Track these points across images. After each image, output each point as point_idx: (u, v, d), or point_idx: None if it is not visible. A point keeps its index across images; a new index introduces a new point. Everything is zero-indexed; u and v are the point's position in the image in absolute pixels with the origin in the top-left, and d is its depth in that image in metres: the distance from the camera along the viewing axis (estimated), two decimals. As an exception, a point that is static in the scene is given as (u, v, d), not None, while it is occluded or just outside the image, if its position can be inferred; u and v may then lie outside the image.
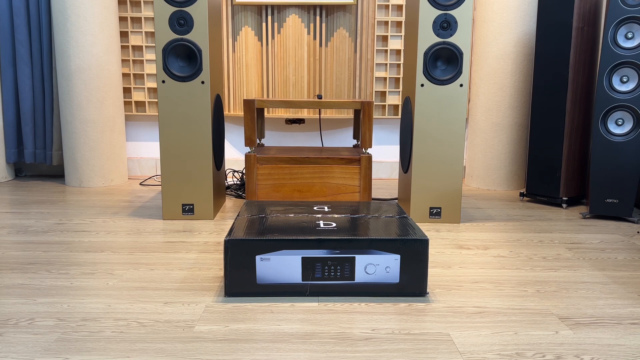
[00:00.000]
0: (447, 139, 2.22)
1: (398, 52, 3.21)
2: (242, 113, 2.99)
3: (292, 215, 1.69)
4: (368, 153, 2.42)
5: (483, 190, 3.00)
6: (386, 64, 3.21)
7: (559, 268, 1.75)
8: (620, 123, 2.31)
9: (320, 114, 2.94)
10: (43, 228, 2.15)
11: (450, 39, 2.15)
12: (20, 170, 3.33)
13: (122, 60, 3.20)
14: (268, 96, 3.21)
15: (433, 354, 1.18)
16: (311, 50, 3.16)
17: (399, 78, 3.23)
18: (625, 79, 2.28)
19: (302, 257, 1.46)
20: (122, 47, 3.19)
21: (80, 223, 2.23)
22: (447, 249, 1.93)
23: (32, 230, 2.11)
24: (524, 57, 2.87)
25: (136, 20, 3.18)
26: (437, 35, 2.15)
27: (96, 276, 1.63)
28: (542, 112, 2.60)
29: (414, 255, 1.47)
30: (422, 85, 2.19)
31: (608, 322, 1.35)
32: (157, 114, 3.27)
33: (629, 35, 2.25)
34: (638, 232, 2.19)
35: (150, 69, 3.22)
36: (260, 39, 3.17)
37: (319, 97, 2.62)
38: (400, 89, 3.24)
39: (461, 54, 2.15)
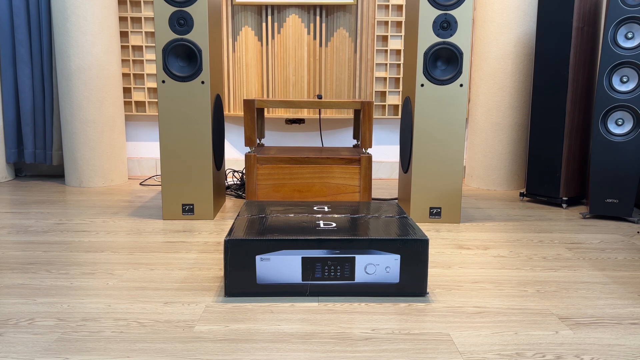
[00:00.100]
0: (447, 139, 2.22)
1: (398, 52, 3.21)
2: (242, 113, 2.99)
3: (292, 215, 1.69)
4: (368, 153, 2.42)
5: (483, 190, 3.00)
6: (386, 64, 3.21)
7: (559, 268, 1.75)
8: (620, 123, 2.31)
9: (320, 114, 2.94)
10: (43, 228, 2.15)
11: (450, 39, 2.15)
12: (20, 170, 3.33)
13: (122, 60, 3.20)
14: (268, 96, 3.21)
15: (433, 354, 1.18)
16: (311, 50, 3.16)
17: (399, 78, 3.23)
18: (625, 79, 2.28)
19: (302, 257, 1.46)
20: (122, 47, 3.19)
21: (80, 223, 2.23)
22: (447, 249, 1.93)
23: (32, 230, 2.11)
24: (524, 57, 2.87)
25: (136, 20, 3.18)
26: (437, 35, 2.15)
27: (96, 276, 1.63)
28: (542, 112, 2.60)
29: (414, 255, 1.47)
30: (422, 85, 2.19)
31: (608, 322, 1.35)
32: (157, 114, 3.27)
33: (629, 35, 2.25)
34: (638, 232, 2.19)
35: (150, 69, 3.22)
36: (260, 39, 3.17)
37: (319, 97, 2.62)
38: (400, 89, 3.24)
39: (461, 54, 2.15)
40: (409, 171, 2.31)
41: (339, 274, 1.47)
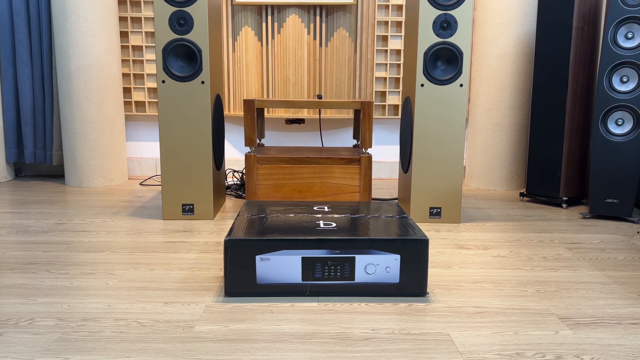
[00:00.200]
0: (447, 139, 2.22)
1: (398, 52, 3.21)
2: (242, 113, 2.99)
3: (292, 215, 1.69)
4: (368, 153, 2.42)
5: (483, 190, 3.00)
6: (386, 64, 3.21)
7: (559, 268, 1.75)
8: (620, 123, 2.31)
9: (320, 114, 2.94)
10: (43, 228, 2.15)
11: (450, 39, 2.15)
12: (20, 170, 3.33)
13: (122, 60, 3.20)
14: (268, 96, 3.21)
15: (433, 354, 1.18)
16: (311, 50, 3.16)
17: (399, 78, 3.23)
18: (625, 79, 2.28)
19: (302, 257, 1.46)
20: (122, 47, 3.19)
21: (80, 223, 2.23)
22: (447, 249, 1.93)
23: (32, 230, 2.11)
24: (524, 57, 2.87)
25: (136, 20, 3.18)
26: (437, 35, 2.15)
27: (96, 276, 1.63)
28: (542, 112, 2.60)
29: (414, 255, 1.47)
30: (422, 85, 2.19)
31: (608, 322, 1.35)
32: (157, 114, 3.27)
33: (629, 35, 2.25)
34: (638, 232, 2.19)
35: (150, 69, 3.22)
36: (260, 39, 3.17)
37: (319, 97, 2.62)
38: (400, 89, 3.24)
39: (461, 54, 2.15)
40: (409, 171, 2.31)
41: (339, 274, 1.47)
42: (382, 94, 3.25)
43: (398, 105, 3.25)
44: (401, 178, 2.48)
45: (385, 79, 3.23)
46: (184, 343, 1.22)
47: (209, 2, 2.19)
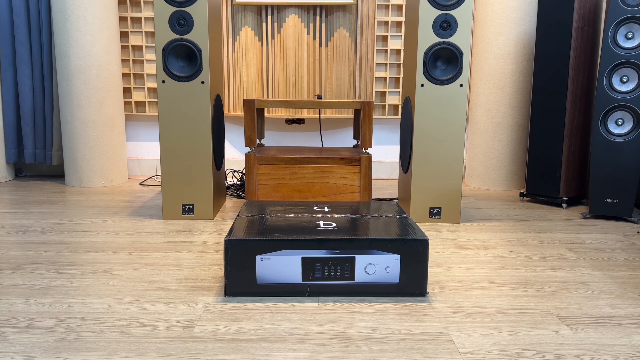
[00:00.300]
0: (447, 139, 2.22)
1: (398, 52, 3.21)
2: (242, 113, 2.99)
3: (292, 215, 1.69)
4: (368, 153, 2.42)
5: (483, 190, 3.00)
6: (386, 64, 3.21)
7: (559, 268, 1.75)
8: (620, 123, 2.31)
9: (320, 114, 2.94)
10: (43, 228, 2.15)
11: (450, 39, 2.15)
12: (20, 170, 3.33)
13: (122, 60, 3.20)
14: (268, 96, 3.21)
15: (433, 354, 1.18)
16: (311, 50, 3.16)
17: (399, 78, 3.23)
18: (625, 79, 2.28)
19: (302, 257, 1.46)
20: (122, 47, 3.19)
21: (80, 223, 2.23)
22: (447, 249, 1.93)
23: (32, 230, 2.11)
24: (524, 57, 2.87)
25: (136, 20, 3.18)
26: (437, 35, 2.15)
27: (96, 276, 1.63)
28: (542, 112, 2.60)
29: (414, 255, 1.47)
30: (422, 85, 2.19)
31: (608, 322, 1.35)
32: (157, 114, 3.27)
33: (629, 35, 2.25)
34: (638, 232, 2.19)
35: (150, 69, 3.22)
36: (260, 39, 3.17)
37: (319, 97, 2.62)
38: (400, 89, 3.24)
39: (461, 54, 2.15)
40: (409, 171, 2.31)
41: (339, 274, 1.47)
42: (382, 94, 3.25)
43: (398, 105, 3.25)
44: (401, 178, 2.48)
45: (385, 79, 3.23)
46: (184, 343, 1.22)
47: (209, 2, 2.19)
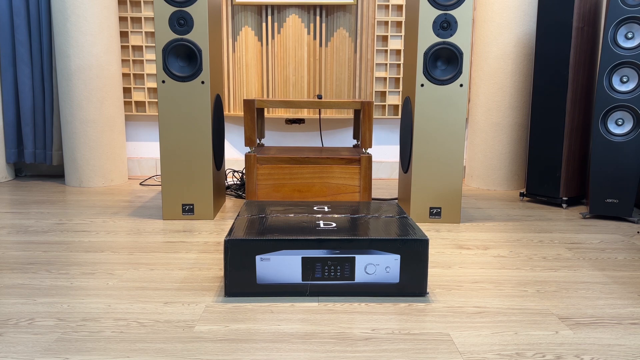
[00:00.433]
0: (447, 139, 2.22)
1: (398, 52, 3.21)
2: (242, 113, 2.99)
3: (292, 215, 1.69)
4: (368, 153, 2.42)
5: (483, 190, 3.00)
6: (386, 64, 3.21)
7: (559, 268, 1.75)
8: (620, 123, 2.31)
9: (320, 114, 2.94)
10: (43, 228, 2.15)
11: (450, 39, 2.15)
12: (20, 170, 3.33)
13: (122, 60, 3.20)
14: (268, 96, 3.21)
15: (433, 354, 1.18)
16: (311, 50, 3.16)
17: (399, 78, 3.23)
18: (625, 79, 2.28)
19: (302, 257, 1.46)
20: (122, 47, 3.19)
21: (80, 223, 2.23)
22: (447, 249, 1.93)
23: (32, 230, 2.11)
24: (524, 57, 2.87)
25: (136, 20, 3.18)
26: (437, 35, 2.15)
27: (96, 276, 1.63)
28: (542, 112, 2.60)
29: (414, 255, 1.47)
30: (422, 85, 2.19)
31: (608, 322, 1.35)
32: (157, 114, 3.27)
33: (629, 35, 2.25)
34: (638, 232, 2.19)
35: (150, 69, 3.22)
36: (260, 39, 3.17)
37: (319, 97, 2.62)
38: (400, 89, 3.24)
39: (461, 54, 2.15)
40: (409, 171, 2.31)
41: (339, 274, 1.47)
42: (382, 94, 3.25)
43: (398, 105, 3.25)
44: (401, 178, 2.48)
45: (385, 79, 3.23)
46: (184, 343, 1.22)
47: (209, 2, 2.19)
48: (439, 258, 1.84)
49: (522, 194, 2.75)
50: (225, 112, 3.24)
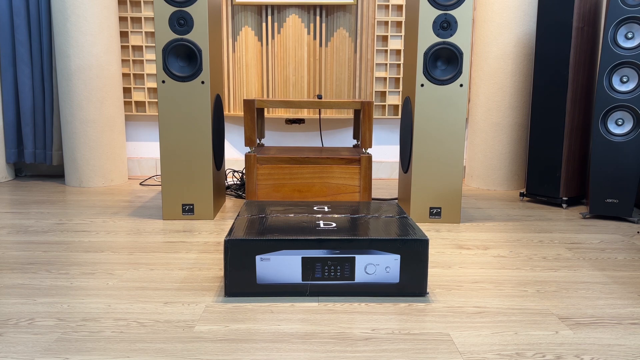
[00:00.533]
0: (447, 139, 2.22)
1: (398, 52, 3.21)
2: (242, 113, 2.99)
3: (292, 215, 1.69)
4: (368, 153, 2.42)
5: (483, 190, 3.00)
6: (386, 64, 3.21)
7: (559, 268, 1.75)
8: (620, 123, 2.31)
9: (320, 114, 2.94)
10: (43, 228, 2.15)
11: (450, 39, 2.15)
12: (20, 170, 3.33)
13: (122, 60, 3.20)
14: (268, 96, 3.21)
15: (433, 354, 1.18)
16: (311, 50, 3.16)
17: (399, 78, 3.23)
18: (625, 79, 2.28)
19: (302, 257, 1.46)
20: (122, 47, 3.19)
21: (80, 223, 2.23)
22: (447, 249, 1.93)
23: (32, 230, 2.11)
24: (524, 57, 2.87)
25: (136, 20, 3.18)
26: (437, 35, 2.15)
27: (96, 276, 1.63)
28: (542, 112, 2.60)
29: (414, 255, 1.47)
30: (422, 85, 2.19)
31: (608, 322, 1.35)
32: (157, 114, 3.27)
33: (629, 35, 2.25)
34: (638, 232, 2.19)
35: (150, 69, 3.22)
36: (260, 39, 3.17)
37: (319, 97, 2.62)
38: (400, 89, 3.24)
39: (461, 54, 2.15)
40: (409, 171, 2.31)
41: (339, 274, 1.47)
42: (382, 94, 3.25)
43: (398, 105, 3.25)
44: (401, 178, 2.48)
45: (385, 79, 3.23)
46: (184, 343, 1.22)
47: (209, 2, 2.19)
48: (439, 258, 1.84)
49: (522, 194, 2.75)
50: (225, 112, 3.24)
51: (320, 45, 3.16)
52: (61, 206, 2.52)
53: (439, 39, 2.15)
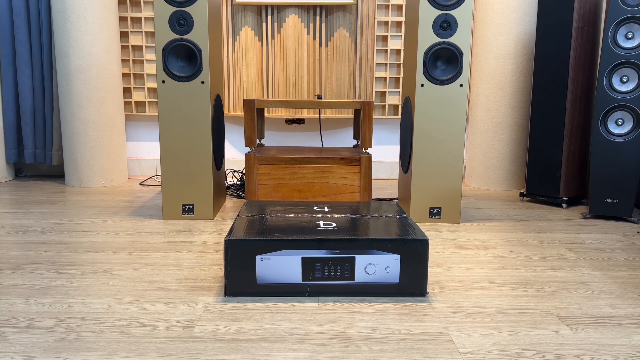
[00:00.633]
0: (447, 139, 2.22)
1: (398, 52, 3.21)
2: (242, 113, 2.99)
3: (292, 215, 1.69)
4: (368, 153, 2.42)
5: (483, 190, 3.00)
6: (386, 64, 3.21)
7: (559, 268, 1.75)
8: (620, 123, 2.31)
9: (320, 114, 2.94)
10: (43, 228, 2.15)
11: (450, 39, 2.15)
12: (20, 170, 3.33)
13: (122, 60, 3.20)
14: (268, 96, 3.21)
15: (433, 354, 1.18)
16: (311, 50, 3.16)
17: (399, 78, 3.23)
18: (625, 79, 2.28)
19: (302, 257, 1.46)
20: (122, 47, 3.19)
21: (80, 223, 2.23)
22: (447, 249, 1.93)
23: (32, 230, 2.11)
24: (524, 57, 2.87)
25: (136, 20, 3.18)
26: (437, 35, 2.15)
27: (96, 276, 1.63)
28: (542, 112, 2.60)
29: (414, 255, 1.47)
30: (422, 85, 2.19)
31: (608, 322, 1.35)
32: (157, 114, 3.27)
33: (629, 35, 2.25)
34: (638, 232, 2.19)
35: (150, 69, 3.22)
36: (260, 39, 3.17)
37: (319, 97, 2.62)
38: (400, 89, 3.24)
39: (461, 54, 2.15)
40: (409, 171, 2.31)
41: (339, 274, 1.47)
42: (382, 94, 3.25)
43: (398, 105, 3.25)
44: (401, 178, 2.48)
45: (385, 79, 3.23)
46: (184, 343, 1.22)
47: (209, 2, 2.19)
48: (439, 258, 1.84)
49: (522, 194, 2.75)
50: (225, 112, 3.24)
51: (320, 45, 3.16)
52: (61, 206, 2.52)
53: (439, 39, 2.15)
